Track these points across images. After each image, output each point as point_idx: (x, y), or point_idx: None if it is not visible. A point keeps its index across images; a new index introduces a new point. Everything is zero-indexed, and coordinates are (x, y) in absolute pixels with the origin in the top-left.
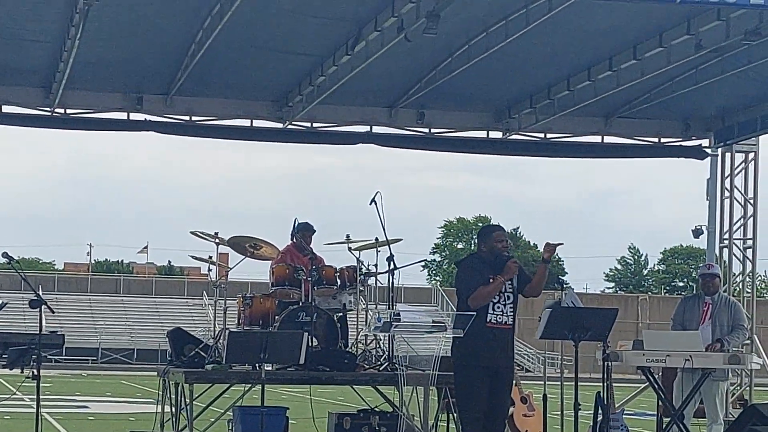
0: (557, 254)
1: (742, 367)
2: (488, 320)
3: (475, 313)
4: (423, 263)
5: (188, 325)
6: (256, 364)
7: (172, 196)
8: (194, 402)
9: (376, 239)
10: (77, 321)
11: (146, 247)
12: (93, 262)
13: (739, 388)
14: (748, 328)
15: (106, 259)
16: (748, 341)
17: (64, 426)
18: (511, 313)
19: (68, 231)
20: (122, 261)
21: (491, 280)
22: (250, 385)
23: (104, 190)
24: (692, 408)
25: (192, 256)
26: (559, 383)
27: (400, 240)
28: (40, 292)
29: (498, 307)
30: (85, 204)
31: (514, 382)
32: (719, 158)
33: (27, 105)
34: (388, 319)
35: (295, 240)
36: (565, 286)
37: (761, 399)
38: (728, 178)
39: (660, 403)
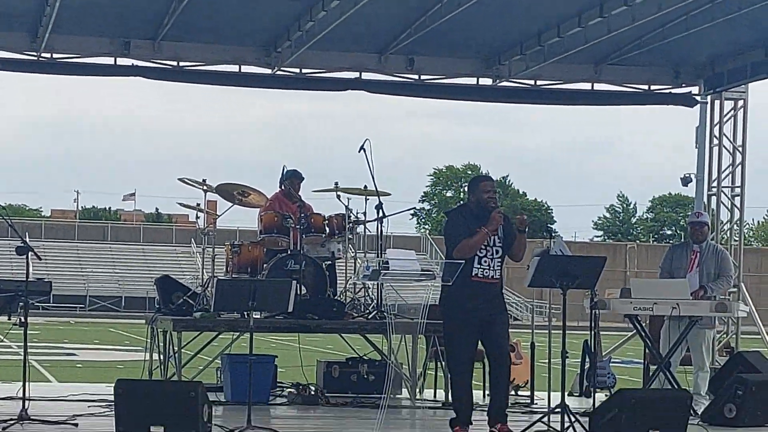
0: (545, 202)
1: (729, 315)
2: (474, 274)
3: (463, 261)
4: (412, 211)
5: (176, 273)
6: (245, 312)
7: (159, 143)
8: (182, 350)
9: (365, 187)
10: (64, 268)
11: (133, 194)
12: (80, 209)
13: (725, 335)
14: (734, 277)
15: (94, 206)
16: (735, 289)
17: (52, 373)
18: (498, 267)
19: (55, 178)
20: (110, 208)
21: (477, 232)
22: (238, 333)
23: (91, 137)
24: (679, 356)
25: (180, 204)
26: (546, 331)
27: (389, 194)
28: (27, 239)
29: (485, 261)
30: (72, 150)
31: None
32: (708, 106)
33: (13, 50)
34: (377, 268)
35: (283, 187)
36: (553, 234)
37: (747, 347)
38: (717, 126)
39: (647, 351)
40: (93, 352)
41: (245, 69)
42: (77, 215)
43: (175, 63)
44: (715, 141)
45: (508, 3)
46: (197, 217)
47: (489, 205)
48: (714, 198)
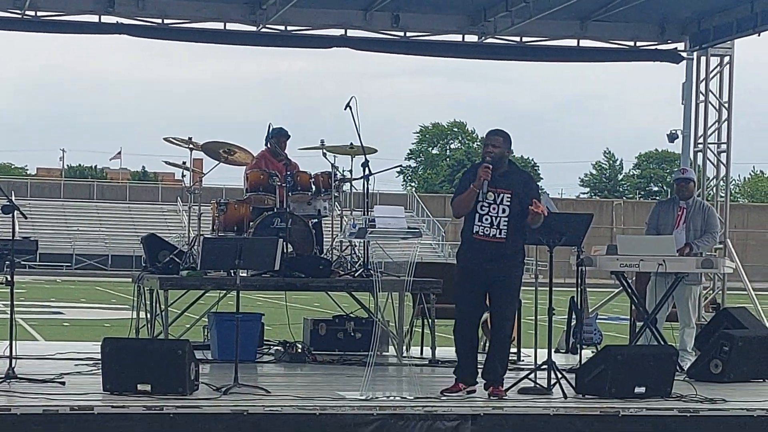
0: (531, 159)
1: (715, 272)
2: (474, 231)
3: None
4: (398, 169)
5: (162, 231)
6: (231, 271)
7: (145, 102)
8: (169, 308)
9: (351, 145)
10: (51, 227)
11: (119, 153)
12: (66, 167)
13: (711, 292)
14: (720, 233)
15: (80, 165)
16: (721, 245)
17: (39, 332)
18: (505, 227)
19: (41, 136)
20: (95, 166)
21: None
22: (225, 292)
23: (77, 95)
24: (665, 312)
25: (166, 162)
26: (533, 288)
27: (375, 151)
28: (13, 198)
29: (486, 219)
30: (58, 109)
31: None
32: (695, 62)
33: None
34: (363, 225)
35: (269, 145)
36: (540, 191)
37: (733, 303)
38: (703, 83)
39: (633, 307)
40: (80, 310)
41: (230, 26)
42: (63, 174)
43: (159, 20)
44: (702, 97)
45: None
46: (183, 176)
47: (485, 159)
48: (700, 154)
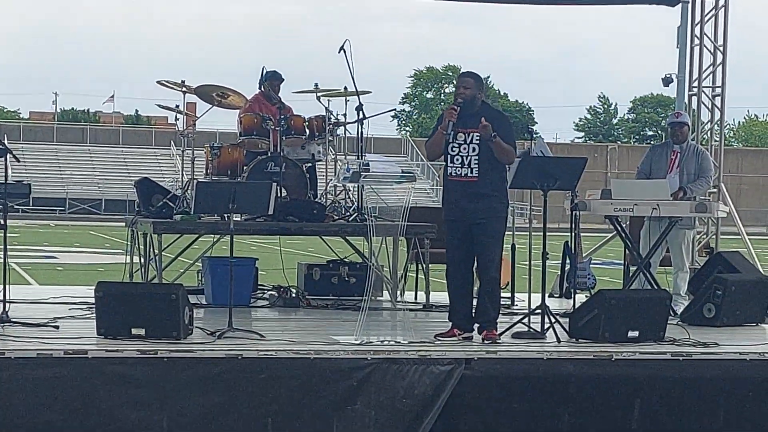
0: (526, 104)
1: (709, 216)
2: (449, 173)
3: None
4: (392, 113)
5: (156, 175)
6: (225, 215)
7: (138, 45)
8: (163, 252)
9: (345, 88)
10: (44, 171)
11: (112, 97)
12: (59, 111)
13: (705, 236)
14: (713, 177)
15: (72, 108)
16: (715, 190)
17: (33, 276)
18: (476, 165)
19: (33, 79)
20: (88, 110)
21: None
22: (219, 236)
23: (69, 38)
24: (659, 256)
25: (159, 105)
26: (527, 233)
27: (369, 92)
28: (6, 141)
29: (457, 159)
30: (51, 52)
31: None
32: (690, 5)
33: None
34: (357, 170)
35: (263, 89)
36: (534, 135)
37: (727, 247)
38: (698, 26)
39: (627, 252)
40: (73, 255)
41: None
42: (56, 117)
43: None
44: (696, 41)
45: None
46: (177, 120)
47: (455, 102)
48: (695, 98)
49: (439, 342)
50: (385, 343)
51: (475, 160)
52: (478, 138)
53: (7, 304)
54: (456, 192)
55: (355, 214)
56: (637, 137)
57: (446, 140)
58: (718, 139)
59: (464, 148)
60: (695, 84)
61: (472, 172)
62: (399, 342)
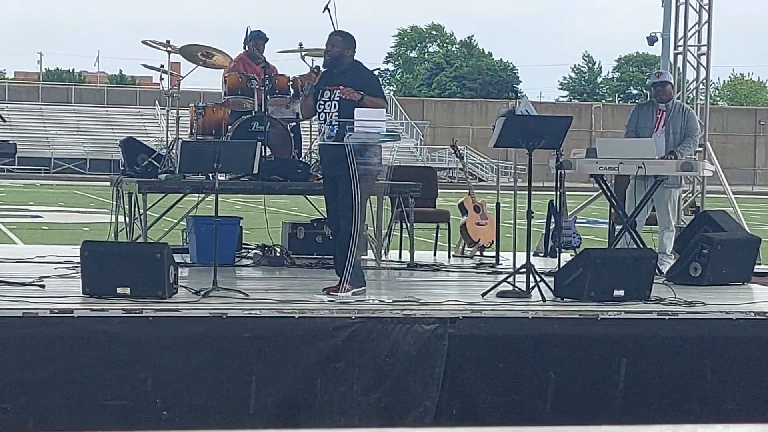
0: (511, 63)
1: (695, 174)
2: (318, 130)
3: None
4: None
5: (141, 135)
6: (210, 174)
7: (122, 5)
8: (148, 212)
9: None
10: (29, 130)
11: (97, 57)
12: (44, 71)
13: (691, 195)
14: (699, 136)
15: (57, 68)
16: (701, 148)
17: (18, 235)
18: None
19: (18, 39)
20: (73, 70)
21: None
22: (203, 195)
23: None
24: (644, 215)
25: (144, 65)
26: (512, 192)
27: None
28: None
29: (321, 116)
30: (35, 12)
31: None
32: None
33: None
34: (341, 129)
35: (247, 48)
36: (519, 94)
37: (713, 206)
38: None
39: (612, 210)
40: (58, 214)
41: None
42: (41, 77)
43: None
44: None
45: None
46: (161, 79)
47: (325, 61)
48: (680, 57)
49: (422, 301)
50: (370, 302)
51: (336, 117)
52: (338, 96)
53: None
54: (324, 153)
55: None
56: (621, 96)
57: (315, 98)
58: (703, 98)
59: (327, 105)
60: (680, 43)
61: (333, 132)
62: (383, 301)
